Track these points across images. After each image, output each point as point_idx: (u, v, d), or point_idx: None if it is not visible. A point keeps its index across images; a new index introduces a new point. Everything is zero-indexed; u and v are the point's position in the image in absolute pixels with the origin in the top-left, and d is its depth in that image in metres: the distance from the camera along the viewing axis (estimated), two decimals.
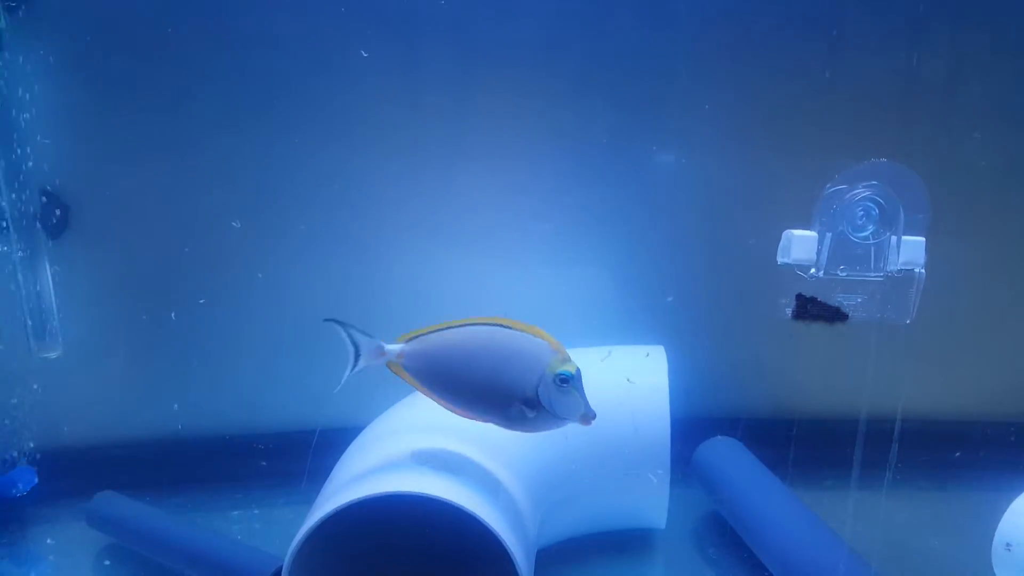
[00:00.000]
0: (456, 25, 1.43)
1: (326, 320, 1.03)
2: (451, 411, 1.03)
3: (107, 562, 1.33)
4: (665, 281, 1.54)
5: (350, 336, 1.03)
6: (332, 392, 1.02)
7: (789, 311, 1.18)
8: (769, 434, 1.46)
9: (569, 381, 0.97)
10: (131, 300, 1.51)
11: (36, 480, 1.50)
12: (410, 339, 1.03)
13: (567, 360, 0.98)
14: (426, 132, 1.47)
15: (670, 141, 1.50)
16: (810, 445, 1.46)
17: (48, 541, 1.42)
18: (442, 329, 1.02)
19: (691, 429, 1.39)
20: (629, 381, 1.25)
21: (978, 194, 1.51)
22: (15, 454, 1.50)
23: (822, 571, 1.11)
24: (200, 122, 1.45)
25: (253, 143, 1.46)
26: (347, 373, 1.03)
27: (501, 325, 1.00)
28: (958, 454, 1.59)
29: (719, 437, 1.43)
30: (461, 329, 1.01)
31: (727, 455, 1.40)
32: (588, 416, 0.98)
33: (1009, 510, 1.10)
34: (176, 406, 1.54)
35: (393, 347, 1.03)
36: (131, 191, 1.47)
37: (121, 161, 1.45)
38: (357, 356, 1.03)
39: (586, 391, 0.99)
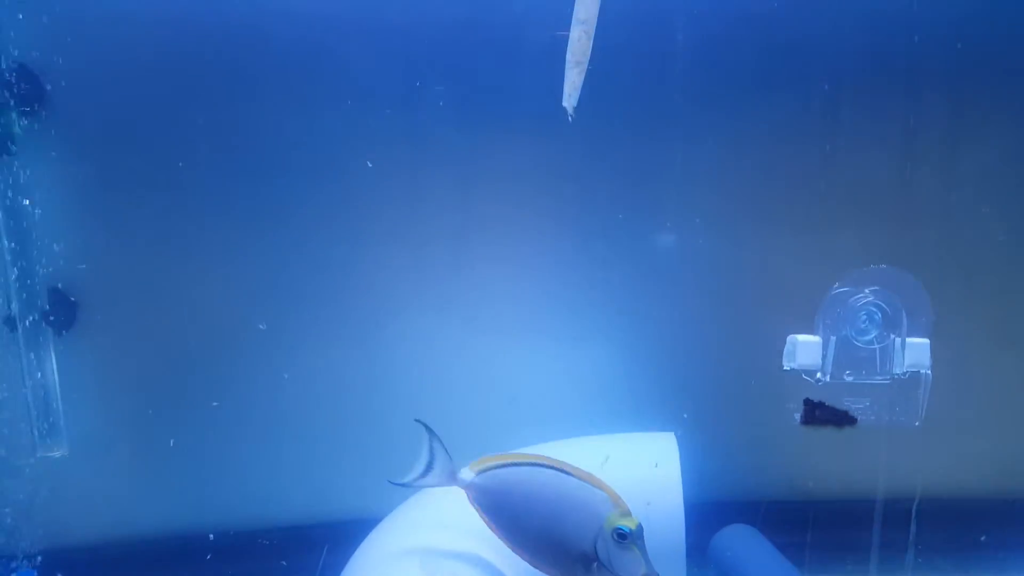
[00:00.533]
0: (459, 110, 1.46)
1: (416, 421, 0.99)
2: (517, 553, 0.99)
3: None
4: (676, 360, 1.53)
5: (432, 448, 0.98)
6: (391, 484, 1.00)
7: (798, 416, 1.17)
8: (786, 517, 1.44)
9: (628, 537, 0.91)
10: (137, 396, 1.50)
11: None
12: (480, 470, 0.99)
13: (627, 514, 0.92)
14: (430, 214, 1.49)
15: (684, 219, 1.51)
16: (828, 528, 1.43)
17: None
18: (510, 464, 0.98)
19: (706, 514, 1.35)
20: (656, 466, 1.23)
21: (994, 258, 1.50)
22: (16, 557, 1.47)
23: None
24: (208, 217, 1.46)
25: (261, 236, 1.47)
26: (410, 478, 0.99)
27: (561, 470, 0.95)
28: (983, 538, 1.55)
29: (735, 525, 1.41)
30: (525, 470, 0.97)
31: (743, 545, 1.37)
32: None
33: None
34: (184, 503, 1.52)
35: (466, 474, 0.98)
36: (139, 286, 1.47)
37: (129, 256, 1.46)
38: (428, 470, 0.99)
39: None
